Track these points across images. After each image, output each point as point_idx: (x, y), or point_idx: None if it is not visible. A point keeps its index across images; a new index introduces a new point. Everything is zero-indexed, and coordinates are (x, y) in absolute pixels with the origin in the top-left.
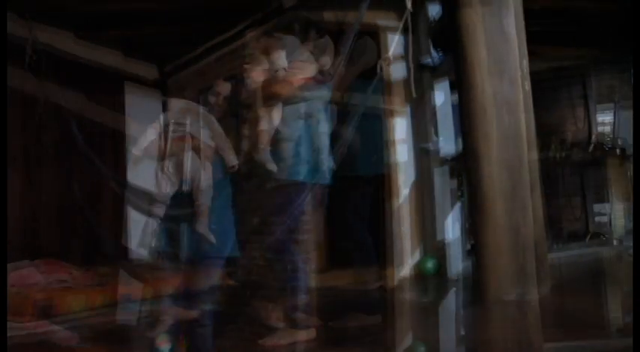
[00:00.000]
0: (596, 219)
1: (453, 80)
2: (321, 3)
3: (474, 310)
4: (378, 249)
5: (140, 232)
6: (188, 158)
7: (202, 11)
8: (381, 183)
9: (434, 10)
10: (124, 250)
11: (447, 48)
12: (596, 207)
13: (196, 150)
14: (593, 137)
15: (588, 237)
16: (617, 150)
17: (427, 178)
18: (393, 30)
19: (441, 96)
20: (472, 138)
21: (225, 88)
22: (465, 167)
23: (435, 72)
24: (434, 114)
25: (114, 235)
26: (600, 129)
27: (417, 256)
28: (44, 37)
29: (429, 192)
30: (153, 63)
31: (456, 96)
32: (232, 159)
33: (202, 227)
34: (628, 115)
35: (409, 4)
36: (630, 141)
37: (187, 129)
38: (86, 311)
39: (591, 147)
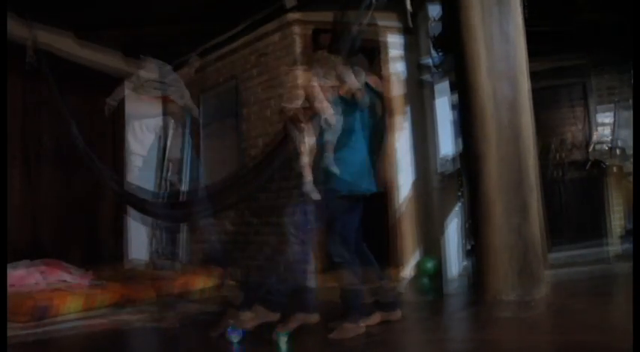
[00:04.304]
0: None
1: (453, 80)
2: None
3: (474, 310)
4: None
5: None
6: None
7: (202, 11)
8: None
9: (434, 11)
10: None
11: (447, 48)
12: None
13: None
14: (594, 137)
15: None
16: (617, 150)
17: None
18: (394, 30)
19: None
20: (472, 138)
21: None
22: (465, 167)
23: (435, 72)
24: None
25: (114, 236)
26: (600, 129)
27: (417, 256)
28: (44, 37)
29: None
30: None
31: (456, 96)
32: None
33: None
34: (628, 116)
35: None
36: (630, 141)
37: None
38: (86, 311)
39: (591, 147)
